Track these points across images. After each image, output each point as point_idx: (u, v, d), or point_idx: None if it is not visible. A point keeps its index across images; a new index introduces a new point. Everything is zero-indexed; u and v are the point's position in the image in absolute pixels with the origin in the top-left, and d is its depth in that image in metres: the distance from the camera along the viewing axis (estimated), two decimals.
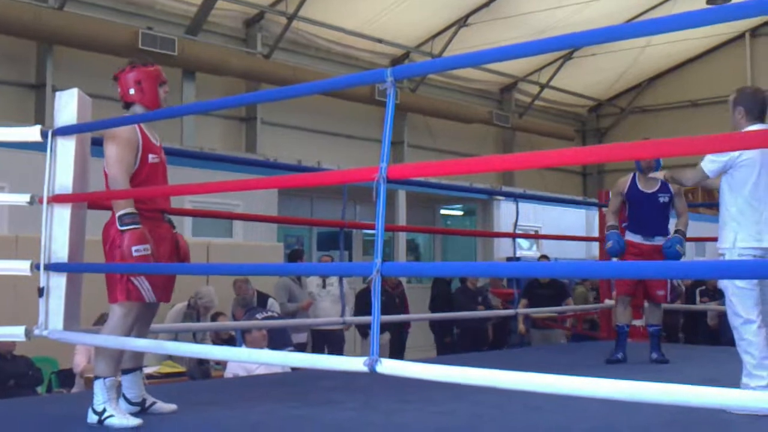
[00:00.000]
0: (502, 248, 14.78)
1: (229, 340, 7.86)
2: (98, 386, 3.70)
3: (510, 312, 7.96)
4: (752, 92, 4.42)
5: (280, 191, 11.34)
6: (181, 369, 6.69)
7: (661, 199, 5.99)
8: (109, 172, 3.77)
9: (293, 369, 5.73)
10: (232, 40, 14.87)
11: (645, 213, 6.01)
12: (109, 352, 3.74)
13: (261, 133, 15.02)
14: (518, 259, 12.30)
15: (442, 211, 17.10)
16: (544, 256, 11.33)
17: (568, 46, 2.94)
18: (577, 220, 15.36)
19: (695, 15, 2.44)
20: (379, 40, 16.16)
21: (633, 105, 22.27)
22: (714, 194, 17.67)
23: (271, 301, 8.66)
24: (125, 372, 3.89)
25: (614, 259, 5.92)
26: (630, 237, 6.08)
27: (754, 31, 20.46)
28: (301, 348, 8.91)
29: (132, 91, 3.95)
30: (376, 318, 2.65)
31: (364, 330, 9.69)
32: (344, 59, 16.31)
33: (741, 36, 20.55)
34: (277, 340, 6.71)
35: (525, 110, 20.16)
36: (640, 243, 6.03)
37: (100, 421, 3.66)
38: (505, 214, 14.86)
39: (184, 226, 9.91)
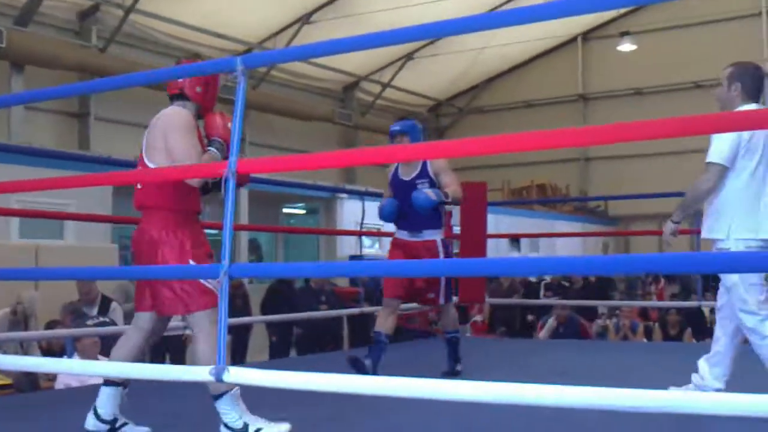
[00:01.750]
0: (345, 247, 14.75)
1: (62, 349, 7.43)
2: (226, 402, 3.27)
3: (353, 311, 7.89)
4: (753, 68, 4.06)
5: (114, 190, 10.85)
6: (6, 381, 6.25)
7: (420, 186, 5.05)
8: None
9: None
10: (65, 32, 14.18)
11: (406, 204, 5.05)
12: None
13: (94, 128, 14.39)
14: (362, 257, 12.33)
15: (285, 210, 16.92)
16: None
17: (409, 39, 2.91)
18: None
19: (524, 11, 2.49)
20: (221, 36, 15.81)
21: (471, 105, 22.78)
22: (546, 190, 18.11)
23: (114, 305, 8.24)
24: (109, 384, 3.49)
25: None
26: (397, 234, 5.25)
27: (586, 36, 21.33)
28: None
29: (199, 89, 3.72)
30: (223, 324, 2.50)
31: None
32: (184, 54, 15.83)
33: (573, 40, 21.40)
34: (110, 346, 6.38)
35: (367, 109, 20.24)
36: (407, 240, 5.18)
37: None
38: (348, 212, 14.84)
39: (11, 227, 9.34)
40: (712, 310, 10.91)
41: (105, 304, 8.02)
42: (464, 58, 19.61)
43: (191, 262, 3.44)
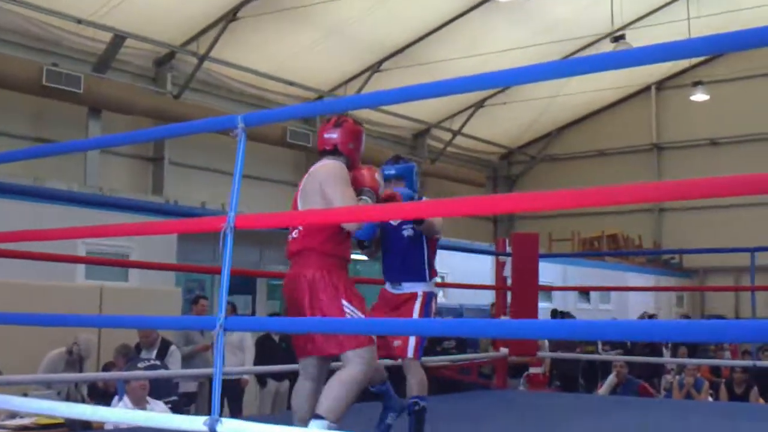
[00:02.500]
0: None
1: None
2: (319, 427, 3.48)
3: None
4: None
5: (179, 235, 11.12)
6: (59, 420, 6.42)
7: (405, 233, 4.61)
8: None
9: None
10: (142, 78, 14.67)
11: (389, 252, 4.65)
12: (353, 397, 3.62)
13: (168, 173, 14.79)
14: None
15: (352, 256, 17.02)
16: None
17: (476, 88, 2.94)
18: (483, 266, 15.45)
19: (595, 59, 2.49)
20: (292, 83, 16.14)
21: (543, 153, 22.67)
22: (618, 240, 17.87)
23: (172, 348, 8.42)
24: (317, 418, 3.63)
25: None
26: (385, 285, 4.73)
27: (659, 85, 21.11)
28: (190, 397, 8.69)
29: (351, 145, 4.03)
30: (218, 375, 2.56)
31: (262, 378, 9.49)
32: (256, 101, 16.21)
33: (647, 89, 21.20)
34: (161, 389, 6.53)
35: (437, 156, 20.32)
36: (390, 293, 4.66)
37: None
38: None
39: (77, 269, 9.62)
40: None
41: (164, 347, 8.21)
42: (536, 106, 19.59)
43: (344, 302, 3.65)
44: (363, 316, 3.72)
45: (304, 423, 3.66)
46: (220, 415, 2.60)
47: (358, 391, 3.66)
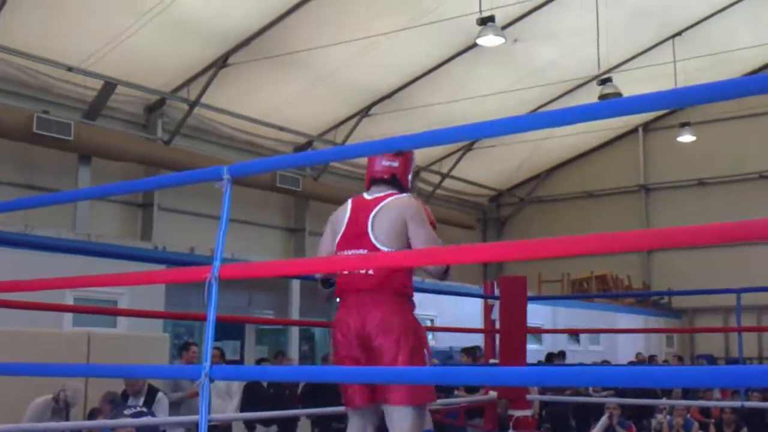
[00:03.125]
0: None
1: None
2: None
3: None
4: None
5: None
6: None
7: None
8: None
9: None
10: (132, 125, 14.76)
11: None
12: None
13: (157, 218, 14.83)
14: None
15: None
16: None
17: (460, 139, 3.00)
18: (474, 308, 15.48)
19: (584, 109, 2.55)
20: (282, 129, 16.25)
21: (532, 195, 22.81)
22: (607, 281, 17.93)
23: (159, 395, 8.39)
24: None
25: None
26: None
27: (646, 126, 21.32)
28: None
29: (410, 177, 3.96)
30: (203, 424, 2.59)
31: (250, 424, 9.46)
32: (247, 146, 16.33)
33: (634, 130, 21.42)
34: None
35: (427, 199, 20.38)
36: None
37: None
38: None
39: (64, 316, 9.62)
40: None
41: (151, 395, 8.17)
42: (525, 148, 19.76)
43: (425, 351, 3.57)
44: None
45: None
46: None
47: None
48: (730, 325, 18.77)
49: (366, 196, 3.87)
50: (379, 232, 3.67)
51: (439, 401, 8.39)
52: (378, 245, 3.63)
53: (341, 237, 3.77)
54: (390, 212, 3.72)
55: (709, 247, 19.03)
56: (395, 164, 3.88)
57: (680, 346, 20.43)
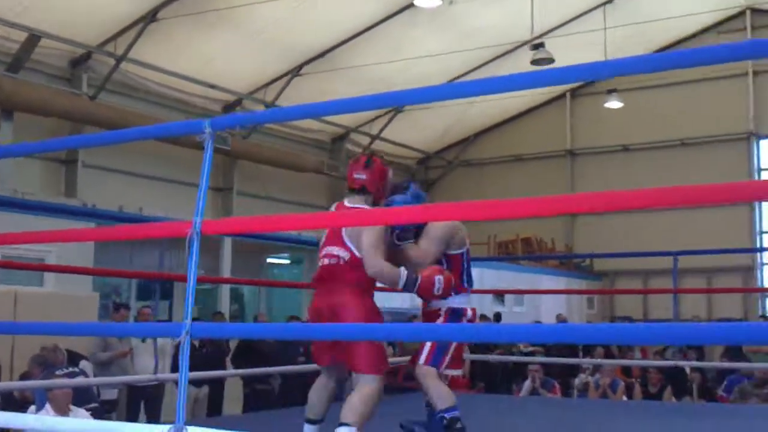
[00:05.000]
0: None
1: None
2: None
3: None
4: None
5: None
6: None
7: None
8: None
9: None
10: (57, 80, 14.27)
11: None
12: (373, 411, 4.10)
13: (82, 176, 14.41)
14: None
15: (269, 260, 16.90)
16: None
17: (392, 104, 3.00)
18: None
19: (516, 78, 2.55)
20: (212, 86, 15.94)
21: (460, 158, 22.91)
22: (532, 244, 18.19)
23: (83, 363, 8.24)
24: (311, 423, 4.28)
25: None
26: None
27: (574, 92, 21.55)
28: (111, 405, 8.52)
29: (383, 188, 4.49)
30: (183, 380, 2.52)
31: None
32: (175, 103, 15.96)
33: (562, 96, 21.61)
34: (81, 396, 6.39)
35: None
36: (425, 310, 4.73)
37: None
38: None
39: None
40: (693, 368, 11.04)
41: (74, 363, 8.00)
42: (454, 111, 19.79)
43: None
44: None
45: (318, 416, 4.27)
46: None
47: (377, 405, 4.13)
48: (650, 287, 19.33)
49: (345, 202, 4.44)
50: (349, 233, 4.27)
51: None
52: (348, 243, 4.23)
53: (325, 236, 4.38)
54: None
55: (630, 213, 19.47)
56: (363, 176, 4.42)
57: (600, 308, 20.86)
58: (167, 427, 2.47)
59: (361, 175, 4.41)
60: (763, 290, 19.29)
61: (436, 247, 4.52)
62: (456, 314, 4.51)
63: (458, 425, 4.29)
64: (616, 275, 20.79)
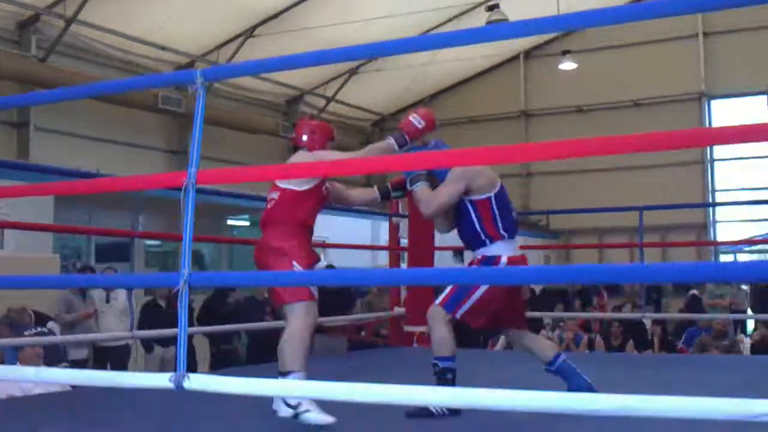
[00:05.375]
0: None
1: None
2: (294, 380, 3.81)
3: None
4: None
5: (57, 199, 10.70)
6: None
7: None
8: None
9: (73, 387, 5.38)
10: (4, 41, 13.92)
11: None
12: (305, 345, 4.00)
13: (34, 139, 14.13)
14: None
15: (229, 222, 16.78)
16: (330, 266, 11.33)
17: (349, 59, 3.05)
18: (363, 230, 15.56)
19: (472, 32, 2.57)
20: (163, 48, 15.68)
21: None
22: None
23: (50, 323, 8.14)
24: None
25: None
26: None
27: (528, 54, 21.62)
28: (80, 364, 8.46)
29: (305, 138, 4.43)
30: (183, 331, 2.49)
31: (148, 344, 9.30)
32: (126, 65, 15.67)
33: (516, 57, 21.67)
34: (51, 356, 6.33)
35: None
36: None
37: (296, 415, 3.80)
38: None
39: None
40: (654, 322, 11.28)
41: (41, 323, 7.90)
42: (409, 73, 19.73)
43: (294, 263, 4.02)
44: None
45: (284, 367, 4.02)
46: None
47: (306, 337, 4.03)
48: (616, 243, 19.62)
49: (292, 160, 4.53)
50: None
51: (349, 317, 8.47)
52: (281, 185, 4.28)
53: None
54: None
55: (584, 172, 19.70)
56: (305, 136, 4.47)
57: (557, 265, 21.10)
58: (168, 375, 2.45)
59: (304, 135, 4.46)
60: (716, 244, 19.65)
61: (448, 189, 4.36)
62: (488, 262, 4.32)
63: (448, 376, 4.21)
64: (572, 234, 21.02)
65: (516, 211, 4.54)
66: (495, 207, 4.38)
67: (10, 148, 14.03)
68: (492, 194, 4.40)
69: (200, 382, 2.42)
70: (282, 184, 4.26)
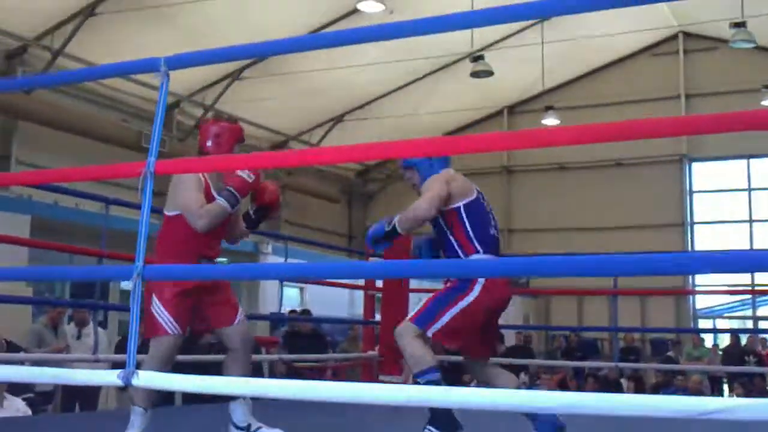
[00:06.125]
0: (269, 302, 14.57)
1: None
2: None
3: (273, 357, 7.77)
4: None
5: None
6: None
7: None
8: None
9: (34, 413, 5.26)
10: None
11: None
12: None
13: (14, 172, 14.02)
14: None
15: None
16: (306, 310, 11.26)
17: (235, 58, 3.03)
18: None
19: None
20: (146, 85, 15.65)
21: (399, 172, 22.88)
22: None
23: (21, 354, 8.00)
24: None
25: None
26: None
27: (512, 109, 21.78)
28: (46, 397, 8.30)
29: (209, 143, 4.22)
30: (134, 326, 2.41)
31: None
32: (110, 102, 15.67)
33: (500, 112, 21.81)
34: (17, 385, 6.20)
35: (295, 170, 20.19)
36: None
37: None
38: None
39: None
40: (630, 379, 11.21)
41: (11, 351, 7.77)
42: (393, 123, 19.78)
43: (155, 300, 3.95)
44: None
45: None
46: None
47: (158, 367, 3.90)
48: (584, 307, 19.57)
49: None
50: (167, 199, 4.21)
51: (313, 356, 8.34)
52: (165, 210, 4.21)
53: None
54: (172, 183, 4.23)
55: (564, 230, 19.73)
56: (198, 138, 4.37)
57: (537, 324, 21.01)
58: (117, 372, 2.37)
59: (208, 140, 4.27)
60: (693, 292, 19.69)
61: (425, 203, 4.13)
62: (462, 281, 4.02)
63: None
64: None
65: (496, 228, 4.27)
66: (465, 218, 4.18)
67: None
68: (462, 203, 4.22)
69: (148, 378, 2.34)
70: (167, 210, 4.20)
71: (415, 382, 3.84)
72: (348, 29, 2.49)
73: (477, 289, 4.01)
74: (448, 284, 4.12)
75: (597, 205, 20.24)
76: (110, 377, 2.37)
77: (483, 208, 4.30)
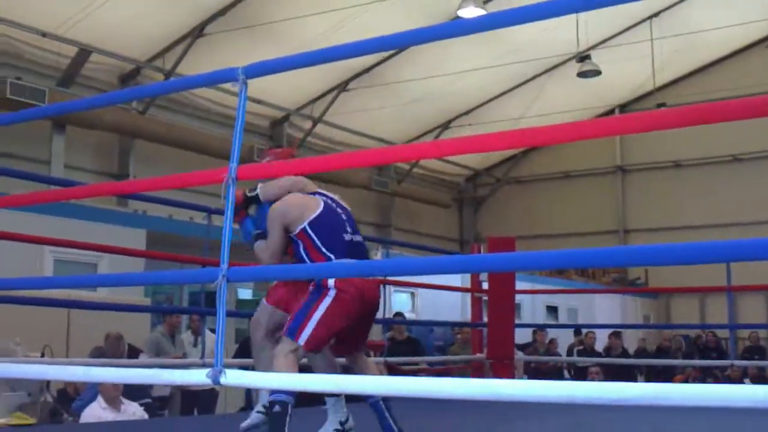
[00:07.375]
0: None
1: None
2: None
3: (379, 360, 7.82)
4: None
5: (148, 244, 11.04)
6: (30, 421, 6.25)
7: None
8: None
9: (150, 417, 5.44)
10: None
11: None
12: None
13: None
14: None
15: None
16: (398, 314, 11.28)
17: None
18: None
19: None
20: (258, 101, 16.05)
21: (508, 176, 22.76)
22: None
23: (141, 356, 8.31)
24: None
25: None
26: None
27: (623, 108, 21.32)
28: (162, 402, 8.56)
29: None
30: (221, 326, 2.47)
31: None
32: (222, 119, 16.10)
33: (611, 111, 21.37)
34: (135, 391, 6.42)
35: (404, 177, 20.31)
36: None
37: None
38: None
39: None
40: (753, 377, 10.75)
41: (133, 356, 8.08)
42: (501, 128, 19.54)
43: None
44: None
45: None
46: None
47: None
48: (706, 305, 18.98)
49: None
50: None
51: (427, 358, 8.37)
52: None
53: None
54: None
55: (687, 229, 19.23)
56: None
57: (657, 323, 20.45)
58: (206, 371, 2.43)
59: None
60: None
61: (271, 236, 4.19)
62: (318, 285, 4.04)
63: (276, 408, 3.48)
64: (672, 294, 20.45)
65: (352, 231, 4.23)
66: (312, 233, 4.17)
67: (111, 197, 14.48)
68: (305, 224, 4.17)
69: (236, 377, 2.40)
70: None
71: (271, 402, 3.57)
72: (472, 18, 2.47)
73: (330, 284, 4.00)
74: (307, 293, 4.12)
75: (714, 202, 19.65)
76: (199, 376, 2.43)
77: (331, 217, 4.28)
